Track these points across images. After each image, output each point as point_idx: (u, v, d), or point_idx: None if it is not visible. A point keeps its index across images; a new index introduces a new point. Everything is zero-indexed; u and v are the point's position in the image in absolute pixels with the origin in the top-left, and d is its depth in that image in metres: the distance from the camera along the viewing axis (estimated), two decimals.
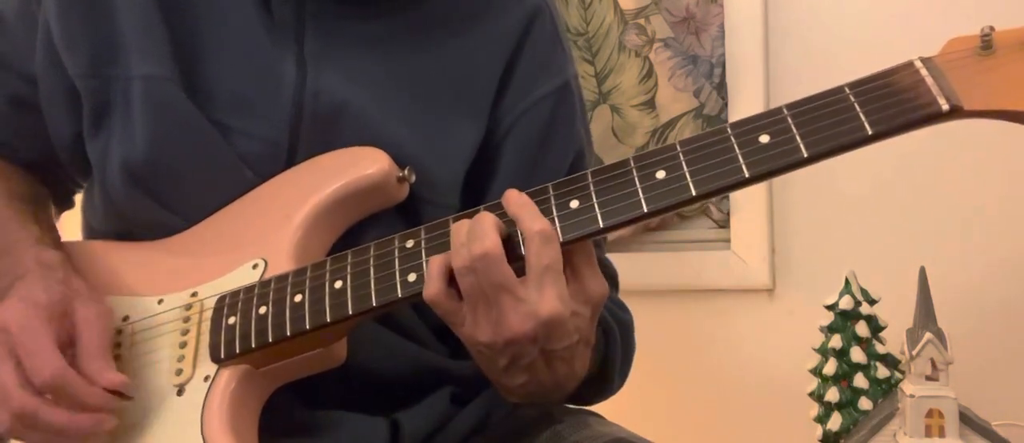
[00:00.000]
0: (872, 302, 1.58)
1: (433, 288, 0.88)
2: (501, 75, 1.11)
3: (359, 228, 1.05)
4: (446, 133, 1.08)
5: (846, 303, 1.57)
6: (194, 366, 0.98)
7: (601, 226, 0.87)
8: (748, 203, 1.82)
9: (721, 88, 1.84)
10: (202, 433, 0.93)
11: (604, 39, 1.92)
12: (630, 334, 1.13)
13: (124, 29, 1.06)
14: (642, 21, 1.89)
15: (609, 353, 1.08)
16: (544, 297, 0.85)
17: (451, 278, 0.88)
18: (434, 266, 0.88)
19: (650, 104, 1.90)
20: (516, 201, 0.89)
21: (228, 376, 0.96)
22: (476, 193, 1.09)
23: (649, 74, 1.90)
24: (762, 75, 1.80)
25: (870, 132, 0.80)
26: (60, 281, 1.00)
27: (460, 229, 0.88)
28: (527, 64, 1.12)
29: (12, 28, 1.14)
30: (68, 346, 0.95)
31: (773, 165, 0.83)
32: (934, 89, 0.79)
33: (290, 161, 1.06)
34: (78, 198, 1.26)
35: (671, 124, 1.89)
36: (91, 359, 0.94)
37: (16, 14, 1.13)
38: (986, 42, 0.80)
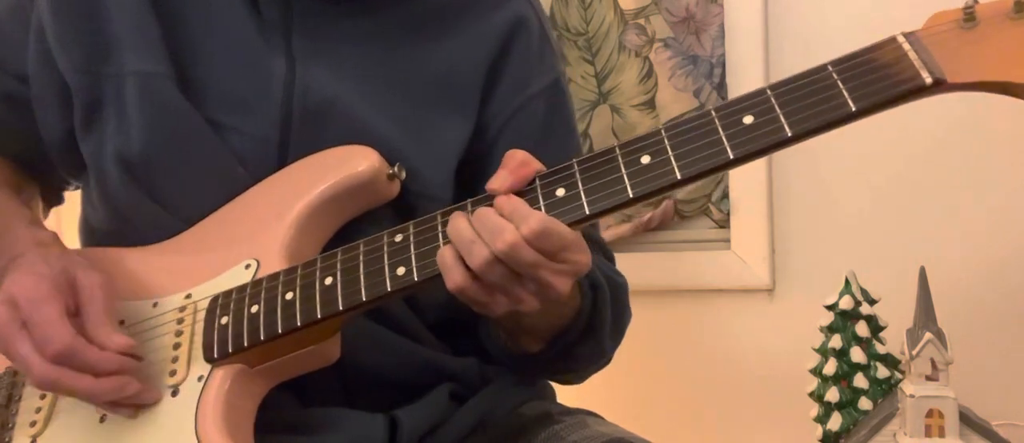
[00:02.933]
0: (872, 302, 1.58)
1: (456, 277, 0.88)
2: (487, 73, 1.11)
3: (353, 226, 1.06)
4: (434, 130, 1.09)
5: (846, 303, 1.56)
6: (188, 367, 0.98)
7: (587, 213, 0.87)
8: (748, 203, 1.82)
9: (721, 88, 1.84)
10: (197, 433, 0.93)
11: (604, 39, 1.92)
12: (622, 296, 1.13)
13: (117, 27, 1.07)
14: (642, 21, 1.89)
15: (597, 306, 1.07)
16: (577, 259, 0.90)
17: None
18: (446, 256, 0.89)
19: (650, 104, 1.90)
20: (504, 210, 0.89)
21: (222, 376, 0.96)
22: (470, 190, 1.09)
23: (649, 74, 1.89)
24: (762, 75, 1.80)
25: (853, 108, 0.80)
26: (58, 256, 1.01)
27: (461, 227, 0.88)
28: (517, 63, 1.13)
29: (5, 25, 1.15)
30: (74, 315, 0.96)
31: (757, 145, 0.83)
32: (917, 63, 0.79)
33: (281, 157, 1.06)
34: (76, 195, 1.26)
35: None
36: (97, 326, 0.95)
37: (9, 11, 1.14)
38: (969, 14, 0.80)
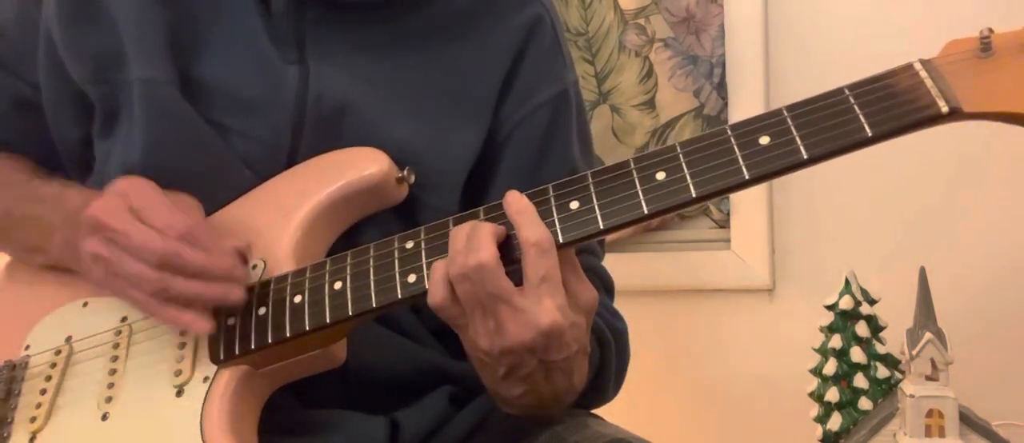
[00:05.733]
0: (872, 302, 1.58)
1: (438, 294, 0.88)
2: (502, 82, 1.11)
3: (357, 228, 1.06)
4: (447, 138, 1.09)
5: (846, 303, 1.56)
6: (193, 367, 0.98)
7: (601, 227, 0.87)
8: (748, 203, 1.82)
9: (721, 88, 1.84)
10: (202, 434, 0.93)
11: (604, 39, 1.92)
12: (625, 343, 1.14)
13: (123, 34, 1.07)
14: (642, 21, 1.89)
15: (604, 363, 1.08)
16: (543, 307, 0.86)
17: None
18: (437, 272, 0.89)
19: (650, 104, 1.90)
20: (515, 207, 0.89)
21: (227, 377, 0.96)
22: (475, 195, 1.09)
23: (649, 74, 1.89)
24: (762, 75, 1.80)
25: (870, 134, 0.81)
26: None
27: (458, 235, 0.88)
28: (528, 71, 1.12)
29: (12, 33, 1.14)
30: None
31: (773, 166, 0.83)
32: (933, 91, 0.80)
33: (291, 162, 1.06)
34: None
35: (671, 124, 1.89)
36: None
37: (15, 19, 1.14)
38: (985, 44, 0.80)
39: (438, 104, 1.09)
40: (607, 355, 1.08)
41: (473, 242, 0.87)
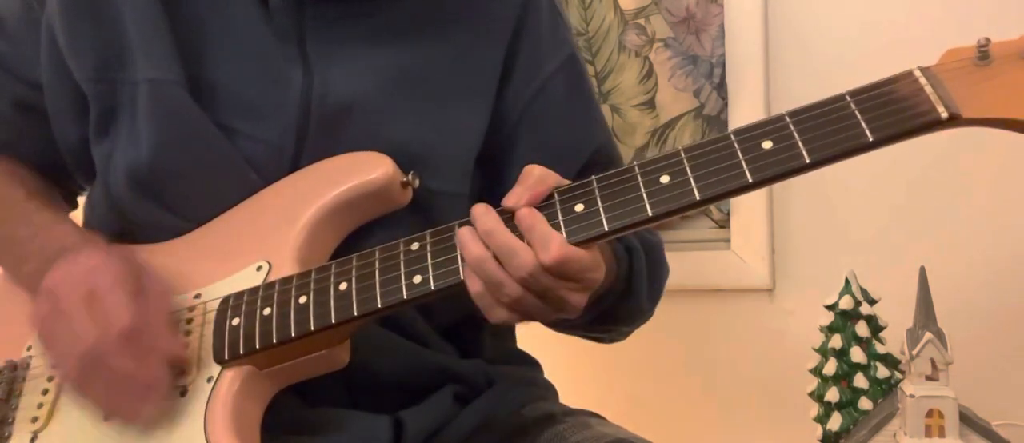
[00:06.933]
0: (872, 302, 1.58)
1: (502, 315, 0.90)
2: (504, 58, 1.11)
3: (366, 226, 1.06)
4: (453, 121, 1.09)
5: (846, 303, 1.57)
6: (197, 367, 0.98)
7: (606, 230, 0.88)
8: (748, 203, 1.82)
9: (721, 88, 1.84)
10: (205, 434, 0.93)
11: (604, 39, 1.92)
12: (657, 254, 1.14)
13: (130, 33, 1.06)
14: (642, 21, 1.89)
15: (634, 268, 1.07)
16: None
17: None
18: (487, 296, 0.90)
19: (650, 104, 1.90)
20: (525, 222, 0.89)
21: (231, 377, 0.96)
22: (493, 177, 1.09)
23: (649, 74, 1.89)
24: (762, 75, 1.80)
25: (871, 139, 0.82)
26: (121, 255, 1.00)
27: (489, 265, 0.88)
28: (530, 45, 1.13)
29: (13, 32, 1.14)
30: None
31: (776, 170, 0.84)
32: (933, 97, 0.81)
33: (295, 163, 1.06)
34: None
35: (671, 124, 1.89)
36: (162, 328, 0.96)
37: (17, 18, 1.14)
38: (983, 53, 0.82)
39: (441, 90, 1.09)
40: (636, 262, 1.08)
41: (504, 252, 0.88)
